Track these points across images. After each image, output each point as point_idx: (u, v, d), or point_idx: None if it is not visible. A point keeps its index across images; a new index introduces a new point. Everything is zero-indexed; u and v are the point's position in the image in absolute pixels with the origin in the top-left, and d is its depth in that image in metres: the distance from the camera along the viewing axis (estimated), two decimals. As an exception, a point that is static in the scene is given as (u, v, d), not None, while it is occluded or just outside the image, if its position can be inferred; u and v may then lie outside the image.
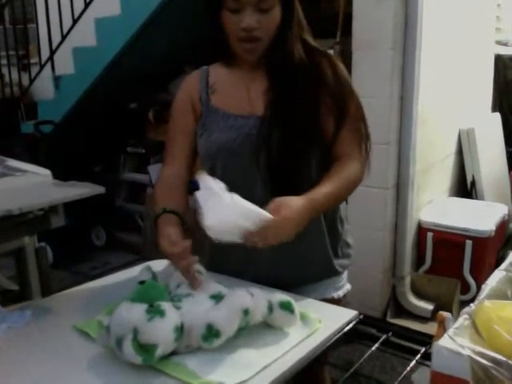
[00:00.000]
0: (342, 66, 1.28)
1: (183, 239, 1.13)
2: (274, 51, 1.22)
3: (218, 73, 1.33)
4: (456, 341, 0.62)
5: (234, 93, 1.28)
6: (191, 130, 1.32)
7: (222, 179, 1.21)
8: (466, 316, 0.70)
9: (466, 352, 0.61)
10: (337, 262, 1.33)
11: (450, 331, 0.66)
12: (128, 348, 0.86)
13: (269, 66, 1.25)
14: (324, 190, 1.16)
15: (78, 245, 4.05)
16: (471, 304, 0.72)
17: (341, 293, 1.35)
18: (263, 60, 1.25)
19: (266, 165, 1.20)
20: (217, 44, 1.28)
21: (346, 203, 1.41)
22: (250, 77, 1.28)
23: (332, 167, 1.24)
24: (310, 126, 1.21)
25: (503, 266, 0.86)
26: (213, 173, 1.25)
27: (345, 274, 1.38)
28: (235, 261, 1.28)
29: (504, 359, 0.60)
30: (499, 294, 0.77)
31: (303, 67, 1.23)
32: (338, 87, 1.23)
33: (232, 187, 1.21)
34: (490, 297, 0.75)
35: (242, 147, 1.22)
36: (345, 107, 1.23)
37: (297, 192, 1.16)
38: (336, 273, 1.33)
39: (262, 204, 1.19)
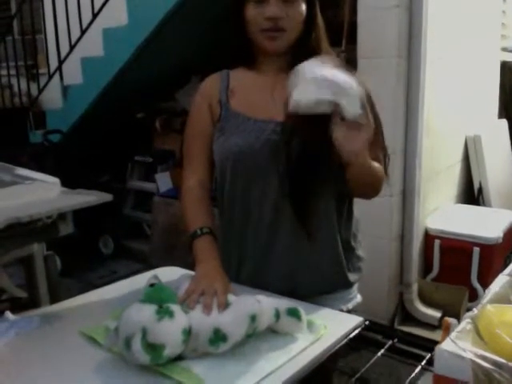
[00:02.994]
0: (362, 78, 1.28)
1: (221, 275, 1.11)
2: (298, 53, 1.19)
3: (238, 77, 1.30)
4: (458, 344, 0.63)
5: (255, 97, 1.26)
6: (210, 133, 1.28)
7: (237, 183, 1.23)
8: (468, 320, 0.71)
9: (468, 355, 0.61)
10: (349, 276, 1.31)
11: (453, 335, 0.66)
12: (137, 346, 0.87)
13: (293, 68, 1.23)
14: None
15: (86, 253, 4.07)
16: (474, 308, 0.73)
17: (350, 305, 1.32)
18: (286, 64, 1.22)
19: (285, 171, 1.18)
20: (239, 45, 1.27)
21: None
22: (271, 81, 1.25)
23: None
24: (331, 133, 1.20)
25: (507, 270, 0.86)
26: (228, 176, 1.24)
27: (355, 287, 1.36)
28: (252, 273, 1.27)
29: (505, 362, 0.60)
30: (502, 299, 0.77)
31: None
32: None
33: (247, 191, 1.23)
34: (493, 301, 0.75)
35: (260, 152, 1.20)
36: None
37: (315, 198, 1.16)
38: (347, 285, 1.32)
39: (276, 208, 1.21)
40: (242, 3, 1.19)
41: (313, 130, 1.14)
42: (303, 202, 1.18)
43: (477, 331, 0.68)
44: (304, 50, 1.20)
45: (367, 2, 2.55)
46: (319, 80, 1.00)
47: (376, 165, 1.18)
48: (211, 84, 1.32)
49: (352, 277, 1.32)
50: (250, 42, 1.23)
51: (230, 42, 1.30)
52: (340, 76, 1.01)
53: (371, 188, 1.24)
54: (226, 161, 1.24)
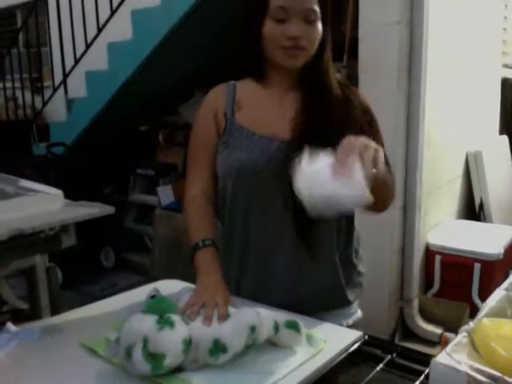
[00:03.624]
0: (364, 97, 1.28)
1: (222, 287, 1.11)
2: (308, 71, 1.21)
3: (245, 89, 1.29)
4: (453, 357, 0.63)
5: (261, 112, 1.25)
6: (214, 144, 1.27)
7: (239, 198, 1.23)
8: (464, 334, 0.71)
9: (463, 368, 0.62)
10: (349, 292, 1.31)
11: (448, 348, 0.67)
12: (138, 355, 0.88)
13: (303, 87, 1.23)
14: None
15: (87, 266, 4.07)
16: (470, 322, 0.73)
17: (350, 321, 1.32)
18: (296, 80, 1.23)
19: (289, 189, 1.15)
20: (250, 58, 1.26)
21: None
22: (280, 97, 1.24)
23: None
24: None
25: (504, 285, 0.87)
26: (230, 191, 1.24)
27: (356, 303, 1.36)
28: (252, 286, 1.27)
29: (500, 375, 0.61)
30: (499, 313, 0.78)
31: (336, 95, 1.22)
32: (365, 117, 1.23)
33: (249, 206, 1.23)
34: (489, 315, 0.76)
35: (263, 168, 1.19)
36: (372, 137, 1.18)
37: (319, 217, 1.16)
38: (347, 303, 1.31)
39: (278, 224, 1.21)
40: (261, 19, 1.17)
41: (319, 148, 1.13)
42: (307, 221, 1.17)
43: (473, 345, 0.69)
44: (315, 68, 1.21)
45: (368, 18, 2.57)
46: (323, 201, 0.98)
47: (388, 178, 1.19)
48: (217, 95, 1.31)
49: (352, 293, 1.32)
50: (261, 55, 1.22)
51: (236, 55, 1.30)
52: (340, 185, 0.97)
53: (384, 201, 1.23)
54: (228, 176, 1.24)
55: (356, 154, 0.97)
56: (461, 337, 0.71)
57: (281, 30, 1.15)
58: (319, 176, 0.97)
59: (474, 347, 0.68)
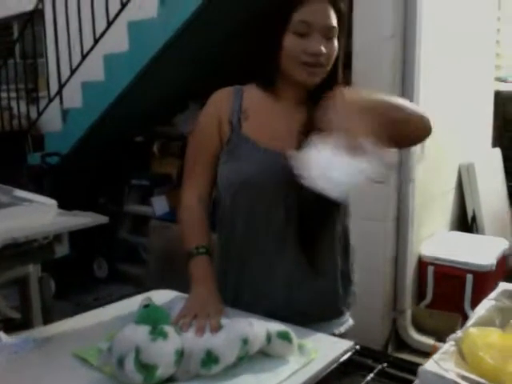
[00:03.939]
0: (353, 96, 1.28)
1: (215, 298, 1.12)
2: (323, 87, 1.18)
3: (253, 97, 1.25)
4: (441, 365, 0.64)
5: (269, 125, 1.23)
6: (215, 150, 1.24)
7: (240, 211, 1.22)
8: (452, 342, 0.72)
9: (450, 376, 0.63)
10: (345, 303, 1.32)
11: (436, 356, 0.68)
12: (130, 366, 0.88)
13: (312, 103, 1.19)
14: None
15: (80, 276, 4.05)
16: (458, 331, 0.74)
17: (342, 329, 1.32)
18: (306, 95, 1.22)
19: (293, 204, 1.17)
20: (266, 69, 1.22)
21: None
22: (290, 111, 1.23)
23: None
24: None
25: (493, 295, 0.88)
26: (229, 203, 1.23)
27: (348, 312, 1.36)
28: (250, 297, 1.25)
29: (487, 383, 0.62)
30: (487, 323, 0.79)
31: None
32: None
33: (249, 219, 1.22)
34: (478, 325, 0.77)
35: (267, 183, 1.18)
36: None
37: (322, 233, 1.17)
38: (342, 313, 1.32)
39: (279, 239, 1.20)
40: (282, 32, 1.15)
41: None
42: (311, 238, 1.18)
43: (460, 353, 0.70)
44: (328, 85, 1.19)
45: (362, 33, 2.60)
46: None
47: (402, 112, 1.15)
48: (222, 99, 1.27)
49: (347, 304, 1.33)
50: (277, 68, 1.19)
51: (247, 62, 1.27)
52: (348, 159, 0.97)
53: (406, 136, 1.23)
54: (231, 188, 1.22)
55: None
56: (448, 345, 0.72)
57: (302, 44, 1.14)
58: (334, 158, 0.96)
59: (461, 355, 0.69)
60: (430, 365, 0.66)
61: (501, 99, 4.04)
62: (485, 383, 0.61)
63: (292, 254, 1.21)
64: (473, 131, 3.59)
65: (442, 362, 0.65)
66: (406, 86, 2.61)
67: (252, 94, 1.26)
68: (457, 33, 3.10)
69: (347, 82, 1.28)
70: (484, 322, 0.78)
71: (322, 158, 0.97)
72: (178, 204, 1.31)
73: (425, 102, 2.65)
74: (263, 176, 1.18)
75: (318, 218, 1.20)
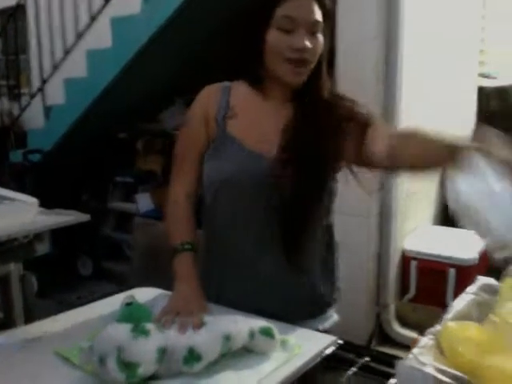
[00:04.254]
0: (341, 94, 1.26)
1: (198, 295, 1.13)
2: (308, 85, 1.18)
3: (240, 95, 1.25)
4: (419, 359, 0.65)
5: (255, 125, 1.22)
6: (202, 147, 1.24)
7: (222, 210, 1.22)
8: (430, 336, 0.73)
9: (429, 369, 0.64)
10: (328, 298, 1.32)
11: (415, 350, 0.69)
12: (112, 364, 0.88)
13: (298, 101, 1.20)
14: None
15: (64, 274, 4.02)
16: (436, 325, 0.75)
17: (327, 324, 1.32)
18: (292, 93, 1.21)
19: (276, 206, 1.16)
20: (251, 65, 1.21)
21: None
22: (276, 110, 1.22)
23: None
24: (325, 175, 1.19)
25: (472, 289, 0.89)
26: (213, 202, 1.23)
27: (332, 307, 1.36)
28: (233, 296, 1.25)
29: (465, 377, 0.63)
30: (465, 316, 0.80)
31: (328, 110, 1.20)
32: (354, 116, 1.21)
33: (231, 218, 1.21)
34: (456, 319, 0.78)
35: (248, 184, 1.18)
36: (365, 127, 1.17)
37: (305, 234, 1.17)
38: (326, 309, 1.32)
39: (259, 239, 1.20)
40: (265, 27, 1.14)
41: (306, 166, 1.14)
42: (294, 239, 1.18)
43: (439, 347, 0.71)
44: (313, 82, 1.19)
45: (346, 33, 2.59)
46: None
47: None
48: (210, 95, 1.27)
49: (332, 300, 1.33)
50: (262, 64, 1.18)
51: (232, 58, 1.25)
52: None
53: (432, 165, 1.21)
54: (210, 186, 1.23)
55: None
56: (427, 339, 0.73)
57: (286, 40, 1.12)
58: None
59: (440, 349, 0.70)
60: (408, 359, 0.67)
61: (484, 95, 4.07)
62: (462, 377, 0.62)
63: (273, 253, 1.21)
64: (456, 127, 3.61)
65: (420, 356, 0.66)
66: (388, 86, 2.62)
67: (240, 91, 1.25)
68: (441, 32, 3.11)
69: (331, 79, 1.27)
70: (462, 316, 0.79)
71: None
72: (163, 201, 1.32)
73: (407, 102, 2.67)
74: (244, 176, 1.18)
75: (301, 218, 1.19)
